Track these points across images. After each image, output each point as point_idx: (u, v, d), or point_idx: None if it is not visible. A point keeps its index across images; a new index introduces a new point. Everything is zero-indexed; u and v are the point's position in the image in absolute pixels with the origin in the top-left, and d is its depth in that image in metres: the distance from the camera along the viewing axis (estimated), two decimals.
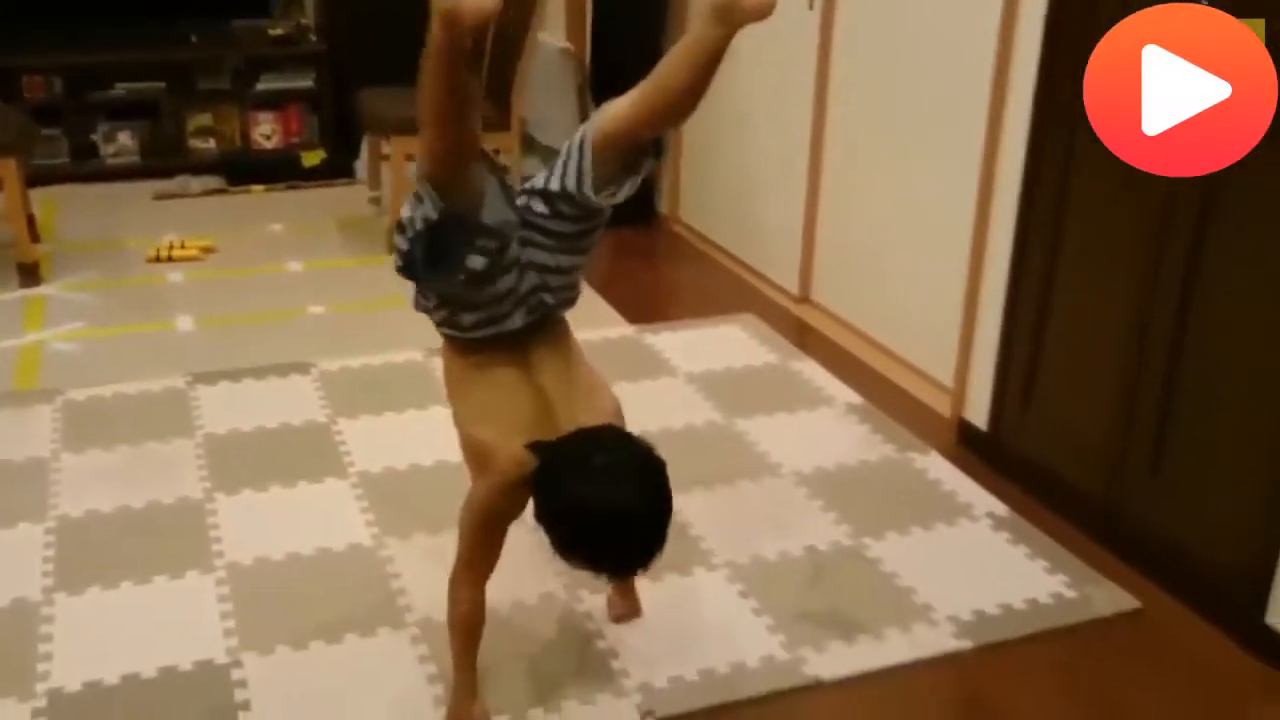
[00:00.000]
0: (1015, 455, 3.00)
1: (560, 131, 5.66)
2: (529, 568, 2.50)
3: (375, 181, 4.99)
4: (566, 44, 5.10)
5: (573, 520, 1.84)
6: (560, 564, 1.92)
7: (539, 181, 2.01)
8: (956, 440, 3.19)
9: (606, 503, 1.80)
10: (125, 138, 5.31)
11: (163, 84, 5.32)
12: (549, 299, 2.04)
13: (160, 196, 5.11)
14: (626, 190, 1.97)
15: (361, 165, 5.25)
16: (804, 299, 4.09)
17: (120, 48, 5.19)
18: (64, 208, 4.91)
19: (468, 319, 2.03)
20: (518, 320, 2.02)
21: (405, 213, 1.98)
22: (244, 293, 4.12)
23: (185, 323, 3.86)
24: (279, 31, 5.45)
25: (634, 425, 2.08)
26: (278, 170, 5.35)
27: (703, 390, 3.41)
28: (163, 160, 5.35)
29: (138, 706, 2.18)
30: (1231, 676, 2.35)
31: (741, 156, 4.36)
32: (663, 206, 4.93)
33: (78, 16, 5.18)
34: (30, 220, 4.30)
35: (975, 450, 3.12)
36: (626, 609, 2.42)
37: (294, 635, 2.36)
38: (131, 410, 3.26)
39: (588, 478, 1.82)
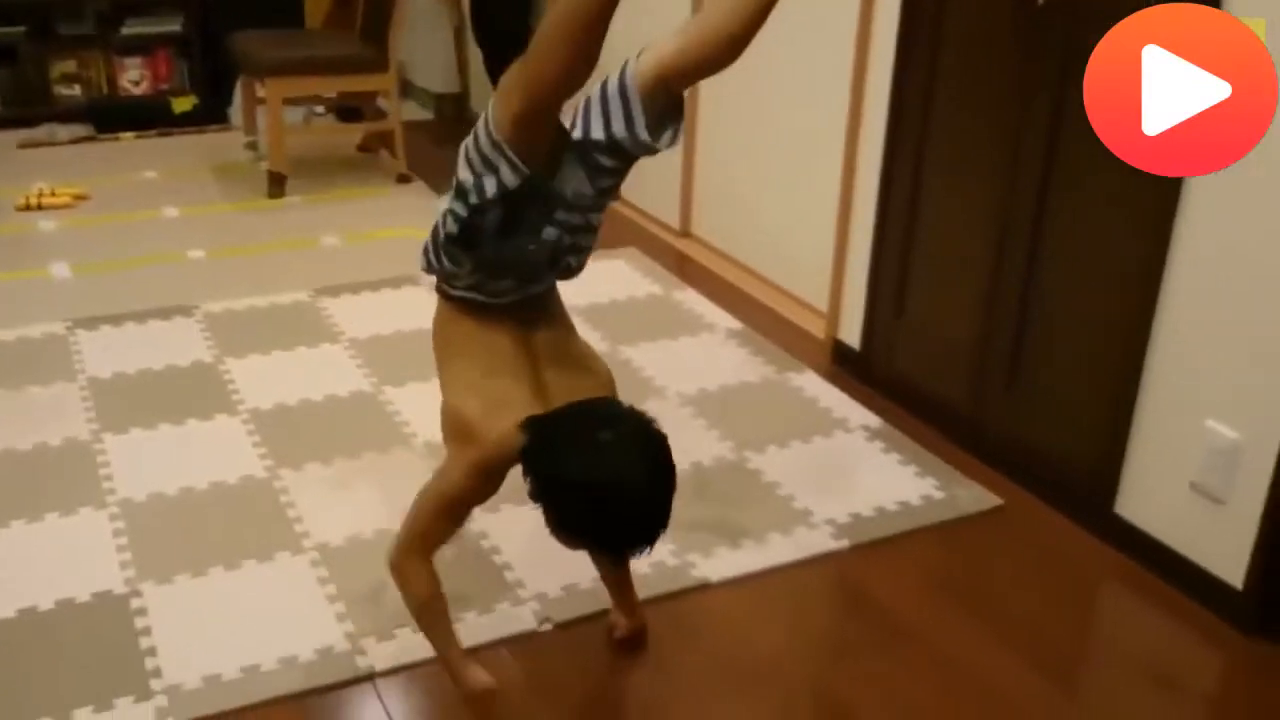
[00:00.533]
0: (886, 371, 3.15)
1: (436, 75, 5.65)
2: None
3: (251, 126, 4.92)
4: None
5: (582, 499, 1.74)
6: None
7: (575, 133, 1.87)
8: (832, 360, 3.33)
9: (618, 481, 1.72)
10: None
11: (21, 29, 5.16)
12: (573, 261, 1.95)
13: (25, 145, 4.98)
14: (675, 137, 1.88)
15: (236, 110, 5.17)
16: (685, 233, 4.20)
17: None
18: None
19: (502, 283, 1.91)
20: (548, 281, 1.96)
21: (464, 175, 1.82)
22: (120, 239, 4.05)
23: (60, 269, 3.80)
24: None
25: None
26: (148, 117, 5.24)
27: (589, 320, 3.49)
28: (26, 109, 5.20)
29: (36, 638, 2.19)
30: (1085, 562, 2.54)
31: None
32: None
33: None
34: None
35: (849, 368, 3.27)
36: (632, 624, 2.24)
37: (192, 563, 2.39)
38: (10, 356, 3.22)
39: (596, 455, 1.73)
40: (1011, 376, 2.77)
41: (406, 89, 5.66)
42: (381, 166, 4.88)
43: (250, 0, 5.10)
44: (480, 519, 2.54)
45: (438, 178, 4.55)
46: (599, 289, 3.72)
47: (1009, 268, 2.73)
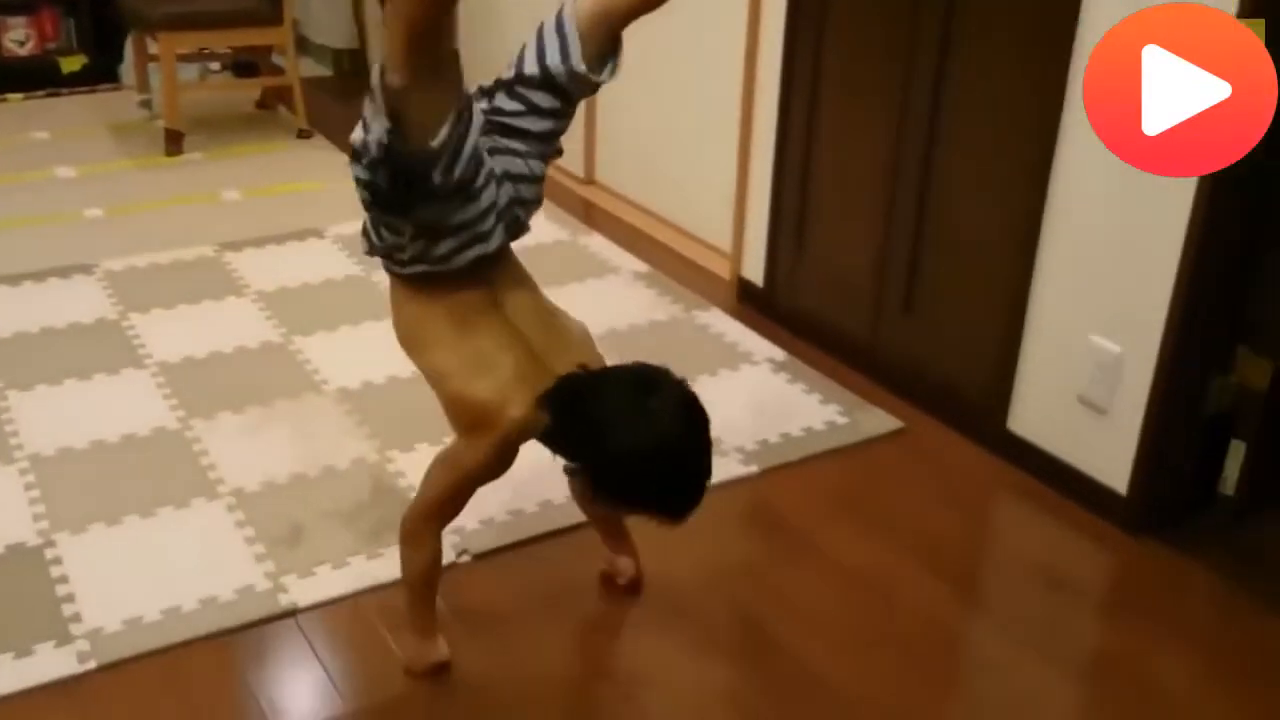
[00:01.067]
0: (789, 306, 3.24)
1: (335, 30, 5.58)
2: (341, 435, 2.59)
3: (144, 84, 4.83)
4: None
5: (646, 469, 1.77)
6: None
7: (506, 74, 1.84)
8: (737, 298, 3.41)
9: (679, 447, 1.78)
10: None
11: None
12: (521, 214, 1.92)
13: None
14: (615, 70, 1.89)
15: (127, 68, 5.06)
16: (589, 180, 4.23)
17: None
18: None
19: (446, 246, 1.82)
20: (498, 238, 1.87)
21: (356, 135, 1.75)
22: (11, 200, 3.96)
23: None
24: None
25: None
26: (35, 78, 5.09)
27: None
28: None
29: None
30: (981, 477, 2.66)
31: None
32: None
33: None
34: None
35: (754, 305, 3.35)
36: (635, 569, 2.27)
37: (106, 513, 2.39)
38: None
39: (651, 424, 1.76)
40: (907, 305, 2.87)
41: (304, 45, 5.58)
42: (281, 123, 4.82)
43: None
44: (399, 459, 2.57)
45: (339, 134, 4.51)
46: None
47: (902, 199, 2.82)
